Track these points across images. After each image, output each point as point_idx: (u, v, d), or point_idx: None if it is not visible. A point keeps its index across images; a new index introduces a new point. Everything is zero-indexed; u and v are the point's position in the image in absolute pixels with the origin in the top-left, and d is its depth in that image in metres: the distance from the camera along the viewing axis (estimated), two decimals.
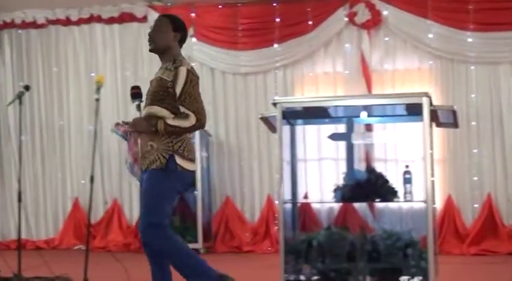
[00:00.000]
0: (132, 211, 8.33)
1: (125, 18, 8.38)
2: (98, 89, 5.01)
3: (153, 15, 8.20)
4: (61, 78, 8.55)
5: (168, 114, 3.93)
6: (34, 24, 8.59)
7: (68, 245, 8.31)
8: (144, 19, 8.32)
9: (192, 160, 4.00)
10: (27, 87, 5.83)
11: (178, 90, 3.91)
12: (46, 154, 8.56)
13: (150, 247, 4.07)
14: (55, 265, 5.76)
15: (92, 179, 5.17)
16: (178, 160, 3.92)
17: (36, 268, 5.82)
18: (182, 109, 3.93)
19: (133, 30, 8.42)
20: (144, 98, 4.09)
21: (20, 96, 5.64)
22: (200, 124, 3.98)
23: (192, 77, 3.97)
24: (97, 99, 4.78)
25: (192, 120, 3.93)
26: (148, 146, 3.94)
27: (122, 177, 8.37)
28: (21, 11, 8.54)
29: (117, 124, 4.01)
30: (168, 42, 4.07)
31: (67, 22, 8.54)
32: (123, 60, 8.40)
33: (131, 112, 8.26)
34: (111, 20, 8.42)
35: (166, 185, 3.94)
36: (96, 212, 8.18)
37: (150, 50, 4.12)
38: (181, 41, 4.15)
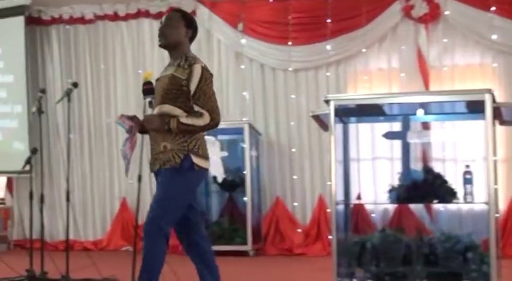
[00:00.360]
0: None
1: None
2: None
3: (202, 10, 8.16)
4: (108, 75, 8.50)
5: (181, 113, 3.84)
6: (82, 20, 8.57)
7: (116, 247, 8.26)
8: (192, 14, 8.15)
9: (207, 158, 3.96)
10: (75, 85, 5.79)
11: (192, 88, 3.83)
12: (94, 153, 8.54)
13: (196, 248, 4.14)
14: (103, 267, 5.70)
15: (139, 179, 5.07)
16: (195, 159, 3.85)
17: (84, 270, 5.78)
18: (196, 108, 3.85)
19: None
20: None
21: (68, 94, 5.61)
22: (214, 123, 3.89)
23: (207, 75, 3.90)
24: (144, 97, 4.64)
25: (206, 119, 3.85)
26: (161, 147, 3.85)
27: None
28: (69, 7, 8.54)
29: (122, 116, 3.89)
30: (179, 38, 3.97)
31: (115, 17, 8.49)
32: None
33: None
34: (159, 15, 8.31)
35: (182, 186, 3.88)
36: (143, 213, 8.06)
37: (161, 46, 4.01)
38: (192, 38, 4.07)
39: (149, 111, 3.98)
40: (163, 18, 4.03)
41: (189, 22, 4.04)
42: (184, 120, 3.81)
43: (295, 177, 7.92)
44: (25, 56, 8.39)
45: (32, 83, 8.51)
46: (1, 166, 8.41)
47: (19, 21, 8.44)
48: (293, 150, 7.94)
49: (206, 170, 3.97)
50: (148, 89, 3.92)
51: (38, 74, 8.69)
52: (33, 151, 5.66)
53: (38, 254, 5.64)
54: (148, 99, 3.90)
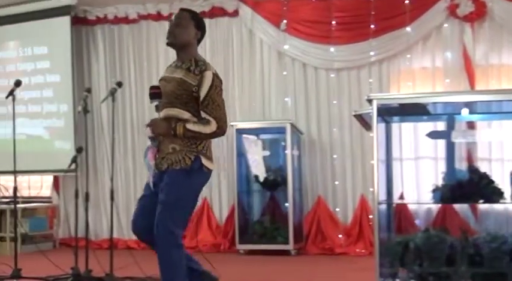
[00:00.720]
0: (222, 211, 8.25)
1: (216, 12, 8.30)
2: None
3: (244, 9, 8.17)
4: (151, 75, 8.55)
5: (190, 117, 3.86)
6: (126, 20, 8.64)
7: None
8: (235, 13, 8.24)
9: (212, 159, 3.98)
10: (119, 84, 5.86)
11: (202, 95, 3.84)
12: (137, 152, 8.59)
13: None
14: (146, 265, 5.74)
15: None
16: (203, 161, 3.88)
17: (127, 268, 5.85)
18: (203, 115, 3.86)
19: (224, 25, 8.33)
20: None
21: (112, 93, 5.67)
22: (221, 131, 3.90)
23: (217, 82, 3.90)
24: None
25: (212, 126, 3.85)
26: (170, 148, 3.86)
27: (211, 175, 8.28)
28: (113, 7, 8.62)
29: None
30: (189, 39, 3.99)
31: (158, 17, 8.54)
32: (213, 56, 8.35)
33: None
34: (201, 15, 8.33)
35: (192, 187, 3.90)
36: None
37: (168, 44, 4.01)
38: (200, 40, 4.07)
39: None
40: (173, 17, 4.03)
41: (198, 23, 4.05)
42: (191, 127, 3.82)
43: (336, 176, 7.88)
44: (71, 55, 8.51)
45: (78, 82, 8.64)
46: (47, 164, 8.54)
47: (65, 21, 8.56)
48: (335, 149, 7.90)
49: (211, 171, 3.99)
50: (156, 93, 3.88)
51: (83, 73, 8.81)
52: (79, 150, 5.74)
53: (83, 252, 5.74)
54: (155, 103, 3.87)
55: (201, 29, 4.06)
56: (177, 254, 3.85)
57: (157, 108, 3.91)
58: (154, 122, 3.85)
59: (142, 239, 4.08)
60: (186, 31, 3.97)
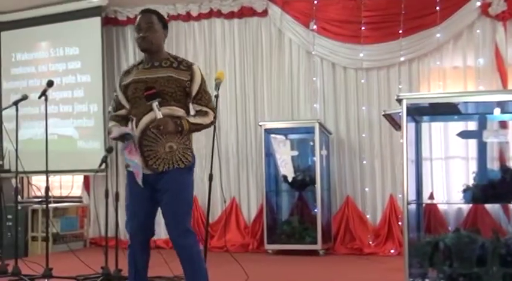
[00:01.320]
0: (250, 211, 8.25)
1: (245, 12, 8.32)
2: (218, 86, 4.92)
3: (273, 9, 8.17)
4: None
5: (183, 113, 3.91)
6: None
7: None
8: (264, 13, 8.25)
9: None
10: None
11: (195, 88, 3.91)
12: None
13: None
14: (174, 265, 5.74)
15: (210, 177, 5.09)
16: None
17: (156, 268, 5.87)
18: (198, 107, 3.94)
19: (253, 25, 8.35)
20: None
21: None
22: (215, 121, 4.03)
23: (203, 75, 4.00)
24: (216, 96, 4.68)
25: (210, 116, 3.96)
26: (167, 147, 3.86)
27: (240, 175, 8.33)
28: (143, 7, 8.64)
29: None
30: (161, 42, 4.01)
31: (187, 17, 8.59)
32: (242, 56, 8.36)
33: (249, 108, 8.29)
34: (230, 15, 8.39)
35: (193, 184, 4.00)
36: (214, 211, 8.16)
37: (145, 50, 3.98)
38: (165, 38, 4.11)
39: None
40: (142, 21, 3.96)
41: (164, 24, 4.07)
42: (193, 120, 3.90)
43: (365, 176, 7.84)
44: (101, 56, 8.58)
45: (108, 82, 8.71)
46: (78, 164, 8.61)
47: (96, 21, 8.64)
48: (364, 149, 7.86)
49: None
50: (155, 93, 3.82)
51: (114, 73, 8.85)
52: (109, 150, 5.77)
53: (113, 251, 5.79)
54: (155, 104, 3.81)
55: (166, 28, 4.11)
56: (200, 250, 4.01)
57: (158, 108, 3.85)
58: (165, 121, 3.79)
59: (137, 239, 4.02)
60: (158, 35, 3.98)
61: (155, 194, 3.92)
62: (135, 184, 3.90)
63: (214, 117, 4.00)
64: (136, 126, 3.88)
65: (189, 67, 3.96)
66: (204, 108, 3.95)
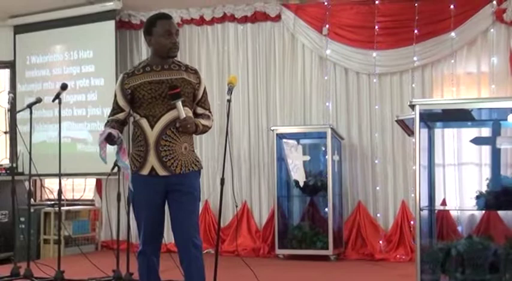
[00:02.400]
0: (261, 215, 8.25)
1: (258, 17, 8.33)
2: (230, 90, 4.93)
3: (286, 14, 8.18)
4: None
5: (192, 115, 3.98)
6: None
7: None
8: (277, 18, 8.25)
9: None
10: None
11: (201, 92, 4.02)
12: None
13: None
14: None
15: (222, 182, 5.09)
16: None
17: (167, 271, 5.88)
18: (202, 110, 4.04)
19: (266, 29, 8.36)
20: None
21: None
22: (212, 124, 4.13)
23: None
24: (229, 101, 4.69)
25: (212, 120, 4.10)
26: (183, 148, 3.90)
27: (251, 179, 8.33)
28: (157, 11, 8.67)
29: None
30: None
31: (201, 22, 8.62)
32: (255, 60, 8.37)
33: (261, 112, 8.30)
34: (243, 19, 8.40)
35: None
36: (225, 215, 8.16)
37: (174, 56, 4.02)
38: None
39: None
40: (170, 26, 3.97)
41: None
42: (203, 122, 4.00)
43: (377, 182, 7.81)
44: (115, 59, 8.61)
45: None
46: (90, 168, 8.61)
47: (110, 25, 8.67)
48: (376, 154, 7.83)
49: None
50: (179, 92, 3.85)
51: None
52: None
53: (124, 255, 5.80)
54: (179, 102, 3.83)
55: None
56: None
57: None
58: (192, 120, 3.87)
59: (151, 247, 4.01)
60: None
61: (166, 196, 3.92)
62: (152, 191, 3.89)
63: (213, 121, 4.14)
64: (152, 126, 3.87)
65: (196, 71, 4.07)
66: (207, 112, 4.07)
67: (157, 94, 3.89)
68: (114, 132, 3.81)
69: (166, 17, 4.06)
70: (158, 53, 3.99)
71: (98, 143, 3.84)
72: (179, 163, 3.87)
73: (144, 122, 3.90)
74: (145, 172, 3.88)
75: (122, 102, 4.01)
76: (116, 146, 3.88)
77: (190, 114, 3.96)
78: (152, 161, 3.86)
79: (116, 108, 4.04)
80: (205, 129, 4.02)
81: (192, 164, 3.92)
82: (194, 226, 3.89)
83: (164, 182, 3.88)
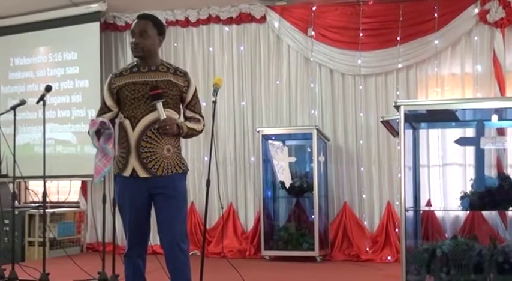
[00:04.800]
0: (247, 217, 8.25)
1: (243, 18, 8.32)
2: (216, 92, 4.92)
3: (271, 15, 8.18)
4: None
5: (178, 118, 3.95)
6: None
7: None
8: (262, 20, 8.25)
9: None
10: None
11: (190, 95, 3.98)
12: None
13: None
14: None
15: (208, 183, 5.08)
16: None
17: (153, 273, 5.85)
18: (191, 114, 4.00)
19: (251, 31, 8.35)
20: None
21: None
22: (204, 128, 4.08)
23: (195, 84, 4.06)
24: (214, 102, 4.68)
25: (202, 124, 4.05)
26: (165, 149, 3.87)
27: (237, 180, 8.32)
28: (141, 13, 8.65)
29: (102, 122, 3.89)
30: (155, 48, 4.00)
31: (186, 23, 8.60)
32: (240, 62, 8.37)
33: (247, 114, 8.30)
34: (229, 21, 8.40)
35: (187, 190, 4.04)
36: (211, 217, 8.15)
37: (135, 56, 3.99)
38: (161, 43, 4.10)
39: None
40: (136, 27, 3.96)
41: (160, 30, 4.04)
42: (190, 125, 3.96)
43: (363, 183, 7.83)
44: (100, 61, 8.58)
45: None
46: (75, 170, 8.60)
47: (95, 27, 8.63)
48: (361, 156, 7.84)
49: None
50: (160, 93, 3.84)
51: None
52: None
53: (110, 257, 5.77)
54: (160, 103, 3.82)
55: (163, 34, 4.07)
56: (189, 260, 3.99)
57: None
58: (172, 122, 3.83)
59: (138, 249, 4.00)
60: (151, 41, 3.95)
61: (151, 199, 3.90)
62: (135, 193, 3.88)
63: (204, 125, 4.08)
64: (134, 127, 3.86)
65: (185, 74, 4.02)
66: (197, 116, 4.03)
67: (140, 95, 3.87)
68: (106, 121, 3.90)
69: (138, 17, 4.05)
70: None
71: (90, 131, 3.97)
72: (161, 164, 3.84)
73: (127, 123, 3.90)
74: (127, 173, 3.88)
75: (109, 101, 4.01)
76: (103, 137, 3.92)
77: (177, 116, 3.93)
78: (133, 162, 3.85)
79: (103, 108, 4.04)
80: (193, 132, 3.99)
81: (176, 167, 3.89)
82: (180, 229, 3.87)
83: (146, 184, 3.86)
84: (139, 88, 3.88)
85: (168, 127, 3.79)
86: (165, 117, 3.81)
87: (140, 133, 3.84)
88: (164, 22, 8.52)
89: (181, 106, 4.02)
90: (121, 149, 3.93)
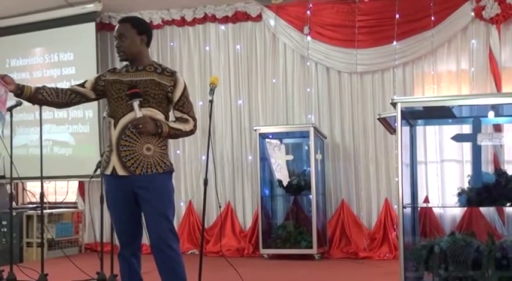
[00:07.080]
0: (245, 215, 8.26)
1: (239, 17, 8.32)
2: (212, 91, 4.92)
3: (267, 13, 8.18)
4: None
5: (163, 118, 3.92)
6: (150, 25, 8.62)
7: (182, 250, 8.20)
8: (258, 18, 8.25)
9: None
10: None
11: (177, 95, 3.93)
12: None
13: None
14: None
15: (206, 182, 5.08)
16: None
17: (150, 273, 5.85)
18: (179, 114, 3.96)
19: (247, 29, 8.36)
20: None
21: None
22: (195, 129, 4.03)
23: (186, 84, 4.02)
24: (211, 101, 4.68)
25: (191, 124, 3.98)
26: (144, 148, 3.84)
27: (235, 179, 8.32)
28: (138, 12, 8.60)
29: None
30: (137, 49, 3.98)
31: (182, 23, 8.60)
32: (236, 60, 8.37)
33: (244, 112, 8.30)
34: (225, 20, 8.40)
35: (173, 190, 3.99)
36: (209, 216, 8.15)
37: (122, 60, 4.03)
38: (148, 42, 4.07)
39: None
40: (115, 31, 4.00)
41: (140, 28, 4.03)
42: (173, 125, 3.92)
43: (360, 180, 7.84)
44: (96, 61, 8.57)
45: None
46: (73, 170, 8.59)
47: (91, 27, 8.63)
48: (358, 153, 7.85)
49: None
50: (138, 92, 3.85)
51: None
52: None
53: (108, 257, 5.77)
54: (136, 102, 3.83)
55: (145, 32, 4.04)
56: (182, 258, 3.97)
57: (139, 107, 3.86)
58: (145, 120, 3.81)
59: (131, 248, 3.99)
60: (131, 42, 3.96)
61: (136, 198, 3.90)
62: (117, 191, 3.89)
63: (195, 126, 4.00)
64: (115, 126, 3.88)
65: (172, 74, 3.99)
66: (185, 116, 3.97)
67: (123, 94, 3.90)
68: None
69: (118, 21, 4.08)
70: None
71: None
72: (140, 163, 3.83)
73: (111, 122, 3.94)
74: (108, 171, 3.90)
75: (89, 83, 4.06)
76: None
77: (160, 116, 3.90)
78: (114, 161, 3.86)
79: (81, 83, 4.10)
80: (178, 132, 3.93)
81: (156, 166, 3.85)
82: (165, 228, 3.84)
83: (127, 183, 3.85)
84: (123, 87, 3.91)
85: (140, 126, 3.78)
86: (140, 116, 3.81)
87: (120, 132, 3.85)
88: (160, 21, 8.61)
89: (168, 106, 4.01)
90: (107, 147, 3.98)
